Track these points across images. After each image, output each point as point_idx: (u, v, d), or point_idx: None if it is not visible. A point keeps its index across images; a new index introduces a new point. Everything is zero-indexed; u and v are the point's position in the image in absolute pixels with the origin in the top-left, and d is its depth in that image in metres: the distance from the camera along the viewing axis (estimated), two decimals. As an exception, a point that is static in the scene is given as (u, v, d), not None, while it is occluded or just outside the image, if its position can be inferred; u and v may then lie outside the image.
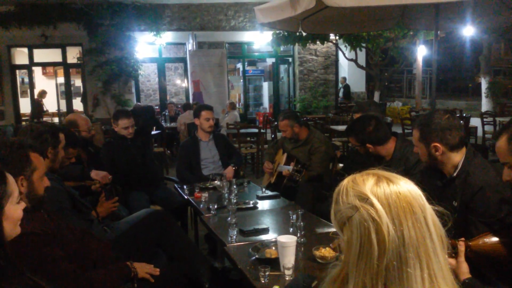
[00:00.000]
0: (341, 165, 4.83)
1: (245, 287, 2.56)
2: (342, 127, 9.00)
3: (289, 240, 2.05)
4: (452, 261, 1.76)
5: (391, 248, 0.96)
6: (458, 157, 2.25)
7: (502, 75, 16.55)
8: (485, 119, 9.90)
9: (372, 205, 0.99)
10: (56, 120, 12.81)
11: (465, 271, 1.75)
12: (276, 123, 9.26)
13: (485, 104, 12.74)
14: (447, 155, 2.25)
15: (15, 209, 1.40)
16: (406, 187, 1.03)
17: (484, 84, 12.97)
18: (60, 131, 2.71)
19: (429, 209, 1.02)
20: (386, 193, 1.01)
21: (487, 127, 9.84)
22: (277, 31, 10.69)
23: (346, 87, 14.67)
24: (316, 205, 3.77)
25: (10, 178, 1.40)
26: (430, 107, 14.68)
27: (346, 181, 1.08)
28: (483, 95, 12.98)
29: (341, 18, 5.94)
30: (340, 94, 14.66)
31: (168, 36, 12.53)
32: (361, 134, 3.12)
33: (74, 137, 3.30)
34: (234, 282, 2.63)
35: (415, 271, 0.96)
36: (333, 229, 2.72)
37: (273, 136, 8.77)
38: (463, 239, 1.86)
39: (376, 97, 11.94)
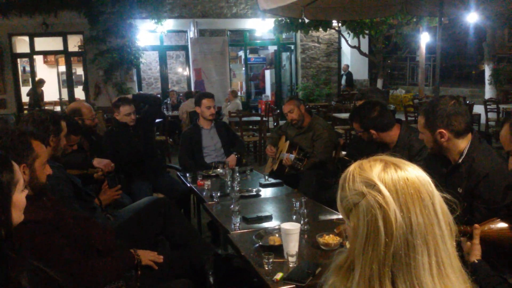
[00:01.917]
0: (344, 152, 4.81)
1: (249, 274, 2.57)
2: (344, 115, 8.96)
3: (293, 227, 2.04)
4: (468, 243, 1.76)
5: (398, 235, 0.95)
6: (463, 144, 2.23)
7: (506, 62, 16.42)
8: (488, 107, 9.84)
9: (379, 191, 0.97)
10: (58, 108, 12.79)
11: (477, 253, 1.75)
12: (278, 111, 9.24)
13: (489, 91, 12.67)
14: (452, 141, 2.23)
15: (21, 197, 1.40)
16: (414, 173, 1.01)
17: (487, 71, 12.88)
18: (61, 118, 2.69)
19: (437, 196, 1.00)
20: (394, 179, 0.99)
21: (490, 115, 9.79)
22: (279, 18, 10.60)
23: (349, 75, 14.59)
24: (319, 193, 3.76)
25: (16, 166, 1.39)
26: (433, 94, 14.62)
27: (353, 167, 1.06)
28: (487, 82, 12.90)
29: (344, 5, 5.88)
30: (343, 82, 14.59)
31: (170, 24, 12.43)
32: (365, 120, 3.10)
33: (75, 124, 3.28)
34: (237, 269, 2.62)
35: (422, 258, 0.95)
36: (336, 216, 2.71)
37: (275, 124, 8.74)
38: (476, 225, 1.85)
39: (379, 84, 11.89)
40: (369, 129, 3.10)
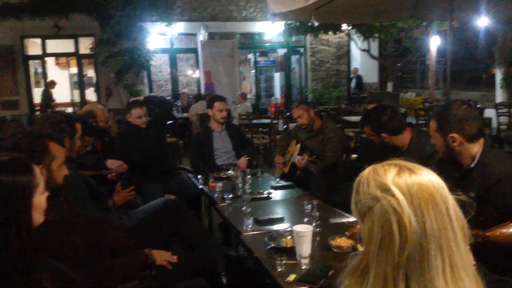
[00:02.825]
0: (354, 155, 4.82)
1: (260, 275, 2.59)
2: (354, 118, 8.95)
3: (306, 230, 2.06)
4: None
5: (412, 239, 0.96)
6: (475, 148, 2.24)
7: (517, 66, 16.29)
8: (499, 110, 9.78)
9: (393, 195, 0.99)
10: (69, 110, 12.90)
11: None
12: (288, 113, 9.25)
13: (500, 95, 12.58)
14: (464, 146, 2.23)
15: (41, 199, 1.43)
16: (428, 178, 1.02)
17: (498, 75, 12.79)
18: (76, 120, 2.74)
19: (451, 200, 1.01)
20: (408, 184, 1.00)
21: (502, 118, 9.73)
22: (289, 21, 10.64)
23: (358, 78, 14.57)
24: (330, 196, 3.76)
25: (37, 169, 1.43)
26: (444, 98, 14.54)
27: (367, 171, 1.08)
28: (498, 86, 12.80)
29: (354, 8, 5.89)
30: (352, 85, 14.57)
31: (180, 27, 12.51)
32: (377, 124, 3.11)
33: (89, 126, 3.34)
34: (249, 270, 2.65)
35: (436, 261, 0.96)
36: (348, 219, 2.72)
37: (285, 126, 8.76)
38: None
39: (390, 87, 11.86)
40: (380, 132, 3.11)
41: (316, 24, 9.33)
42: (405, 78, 19.24)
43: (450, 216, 0.99)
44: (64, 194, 2.07)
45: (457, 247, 0.99)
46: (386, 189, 1.00)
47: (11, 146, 1.87)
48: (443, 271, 0.96)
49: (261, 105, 15.02)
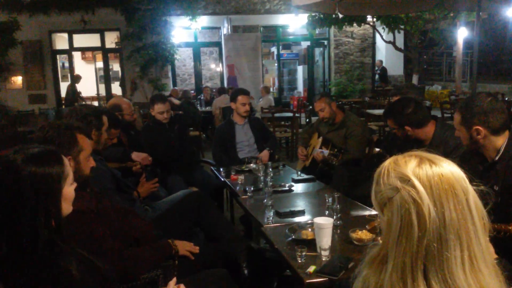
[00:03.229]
0: (377, 149, 4.78)
1: (281, 266, 2.62)
2: (378, 111, 8.86)
3: (326, 222, 2.08)
4: None
5: (431, 230, 0.97)
6: (500, 141, 2.21)
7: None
8: (528, 103, 9.54)
9: (413, 186, 1.00)
10: (95, 104, 13.13)
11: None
12: (311, 107, 9.22)
13: (529, 88, 12.28)
14: (489, 138, 2.21)
15: (70, 190, 1.49)
16: (448, 169, 1.02)
17: (528, 66, 12.46)
18: (103, 113, 2.80)
19: (471, 192, 1.02)
20: (428, 175, 1.01)
21: (530, 112, 9.49)
22: (313, 14, 10.57)
23: (383, 70, 14.39)
24: (352, 189, 3.75)
25: (66, 161, 1.48)
26: (471, 90, 14.25)
27: (388, 162, 1.09)
28: (527, 78, 12.49)
29: (378, -1, 5.82)
30: (377, 78, 14.40)
31: (203, 21, 12.58)
32: (400, 116, 3.07)
33: (116, 118, 3.41)
34: (270, 261, 2.68)
35: (455, 252, 0.97)
36: (369, 212, 2.72)
37: (307, 120, 8.74)
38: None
39: (415, 80, 11.68)
40: (403, 125, 3.07)
41: (340, 16, 9.23)
42: (431, 71, 18.92)
43: (470, 207, 0.99)
44: (91, 185, 2.13)
45: (476, 238, 0.99)
46: (406, 180, 1.01)
47: (40, 138, 1.93)
48: (462, 262, 0.97)
49: (284, 98, 15.00)
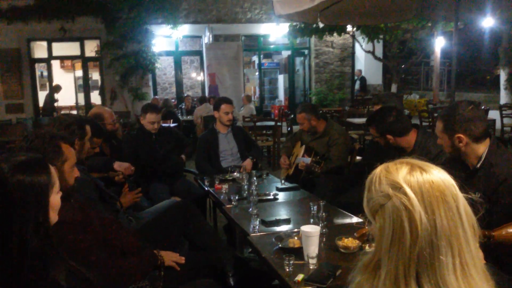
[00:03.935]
0: (358, 158, 4.82)
1: (267, 276, 2.61)
2: (358, 120, 8.97)
3: (313, 230, 2.08)
4: None
5: (423, 236, 0.98)
6: (481, 149, 2.26)
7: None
8: (504, 112, 9.77)
9: (405, 193, 1.01)
10: (74, 113, 12.97)
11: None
12: (292, 116, 9.27)
13: (504, 97, 12.57)
14: (471, 146, 2.25)
15: (57, 199, 1.46)
16: (439, 176, 1.04)
17: (503, 76, 12.77)
18: (86, 122, 2.77)
19: (461, 199, 1.04)
20: (419, 182, 1.03)
21: (506, 120, 9.72)
22: (294, 23, 10.67)
23: (362, 80, 14.57)
24: (335, 197, 3.78)
25: (53, 169, 1.46)
26: (448, 99, 14.52)
27: (379, 170, 1.10)
28: (502, 87, 12.79)
29: (359, 9, 5.90)
30: (356, 87, 14.57)
31: (185, 29, 12.58)
32: (382, 125, 3.12)
33: (99, 127, 3.37)
34: (256, 271, 2.67)
35: (447, 258, 0.98)
36: (353, 220, 2.74)
37: (289, 129, 8.78)
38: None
39: (394, 89, 11.87)
40: (385, 134, 3.11)
41: (321, 25, 9.34)
42: (409, 80, 19.23)
43: (461, 214, 1.01)
44: (75, 195, 2.10)
45: (467, 244, 1.01)
46: (397, 187, 1.03)
47: (24, 148, 1.90)
48: (453, 268, 0.98)
49: (265, 107, 15.05)
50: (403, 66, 14.93)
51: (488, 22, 7.95)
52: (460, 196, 1.04)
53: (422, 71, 17.98)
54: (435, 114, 9.68)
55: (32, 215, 1.36)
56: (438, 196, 1.01)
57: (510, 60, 13.01)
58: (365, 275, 1.07)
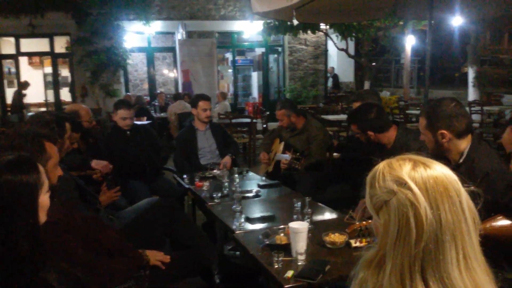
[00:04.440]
0: (336, 154, 4.86)
1: (253, 272, 2.61)
2: (332, 117, 9.07)
3: (301, 226, 2.09)
4: None
5: (428, 232, 0.99)
6: (464, 144, 2.30)
7: (487, 65, 16.76)
8: (472, 108, 10.04)
9: (410, 189, 1.02)
10: (43, 110, 12.63)
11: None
12: (267, 113, 9.29)
13: (472, 94, 12.90)
14: (453, 142, 2.29)
15: (46, 198, 1.42)
16: (442, 172, 1.06)
17: (471, 73, 13.11)
18: (66, 120, 2.70)
19: (464, 193, 1.05)
20: (424, 178, 1.03)
21: (474, 116, 9.99)
22: (268, 21, 10.67)
23: (335, 77, 14.73)
24: (316, 193, 3.80)
25: (41, 168, 1.41)
26: (419, 96, 14.82)
27: (382, 166, 1.11)
28: (470, 84, 13.12)
29: (334, 7, 5.95)
30: (329, 84, 14.71)
31: (157, 26, 12.42)
32: (363, 122, 3.15)
33: (76, 122, 3.29)
34: (241, 268, 2.66)
35: (451, 253, 1.00)
36: (335, 216, 2.76)
37: (264, 126, 8.79)
38: None
39: (367, 86, 12.01)
40: (366, 130, 3.15)
41: (295, 23, 9.37)
42: (380, 77, 19.52)
43: (463, 208, 1.03)
44: (58, 195, 2.04)
45: (469, 238, 1.02)
46: (402, 183, 1.03)
47: (6, 146, 1.83)
48: (457, 262, 1.00)
49: (239, 104, 15.02)
50: (373, 64, 15.18)
51: (457, 21, 8.11)
52: (463, 190, 1.05)
53: (393, 69, 18.29)
54: (407, 111, 9.90)
55: (22, 216, 1.31)
56: (442, 191, 1.02)
57: (478, 58, 13.39)
58: (369, 271, 1.07)
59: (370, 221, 2.04)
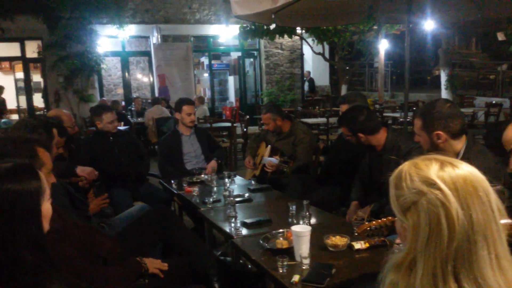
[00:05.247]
0: (321, 158, 4.87)
1: (251, 277, 2.58)
2: (311, 120, 9.11)
3: (305, 230, 2.07)
4: None
5: (460, 232, 0.98)
6: (459, 145, 2.33)
7: (458, 68, 17.17)
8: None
9: (440, 189, 1.01)
10: (15, 117, 12.29)
11: None
12: (247, 116, 9.27)
13: (445, 96, 13.17)
14: (449, 142, 2.32)
15: (48, 206, 1.36)
16: (470, 171, 1.05)
17: (443, 76, 13.41)
18: (53, 125, 2.61)
19: (492, 193, 1.04)
20: (453, 177, 1.02)
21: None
22: (244, 24, 10.67)
23: (311, 81, 14.84)
24: (305, 196, 3.79)
25: (42, 175, 1.35)
26: (393, 99, 15.05)
27: (407, 167, 1.09)
28: (443, 87, 13.42)
29: (312, 12, 5.98)
30: (305, 88, 14.81)
31: (132, 29, 12.25)
32: (353, 124, 3.16)
33: (62, 126, 3.19)
34: (239, 274, 2.62)
35: (483, 253, 0.99)
36: (330, 218, 2.75)
37: (245, 129, 8.76)
38: None
39: (344, 90, 12.15)
40: (357, 132, 3.16)
41: (272, 27, 9.39)
42: (354, 81, 19.76)
43: (493, 208, 1.02)
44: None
45: (499, 238, 1.02)
46: (431, 183, 1.02)
47: (-4, 152, 1.75)
48: (490, 262, 0.99)
49: (216, 108, 14.95)
50: (347, 68, 15.37)
51: (429, 25, 8.27)
52: (491, 190, 1.05)
53: (367, 73, 18.55)
54: (384, 114, 10.04)
55: (24, 227, 1.25)
56: (471, 191, 1.01)
57: (449, 61, 13.71)
58: (399, 273, 1.05)
59: (380, 220, 2.05)
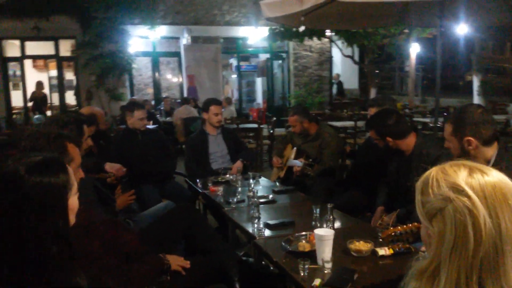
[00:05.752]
0: (348, 161, 4.83)
1: (273, 279, 2.57)
2: (339, 123, 9.04)
3: (328, 233, 2.05)
4: None
5: (487, 240, 0.95)
6: (490, 152, 2.26)
7: (491, 73, 16.75)
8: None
9: (468, 196, 0.98)
10: (48, 113, 12.63)
11: None
12: (274, 118, 9.27)
13: (477, 102, 12.89)
14: (480, 149, 2.25)
15: (75, 200, 1.38)
16: (499, 178, 1.02)
17: (475, 82, 13.10)
18: (84, 122, 2.67)
19: None
20: (482, 184, 0.99)
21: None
22: (273, 27, 10.68)
23: (339, 84, 14.72)
24: (329, 199, 3.76)
25: (70, 169, 1.37)
26: (423, 104, 14.78)
27: (435, 172, 1.07)
28: (475, 93, 13.12)
29: (341, 14, 5.93)
30: (334, 91, 14.70)
31: (162, 30, 12.42)
32: (382, 128, 3.11)
33: (92, 123, 3.27)
34: (261, 275, 2.62)
35: (511, 262, 0.96)
36: (355, 222, 2.71)
37: (271, 131, 8.75)
38: None
39: (373, 93, 12.00)
40: (385, 136, 3.11)
41: (301, 29, 9.37)
42: (384, 85, 19.53)
43: None
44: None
45: None
46: (459, 190, 0.99)
47: (29, 147, 1.80)
48: None
49: (243, 110, 15.01)
50: (377, 72, 15.17)
51: (462, 29, 8.09)
52: None
53: (397, 76, 18.30)
54: (414, 119, 9.87)
55: (51, 219, 1.27)
56: (501, 199, 0.98)
57: (482, 67, 13.39)
58: (422, 281, 1.03)
59: (405, 226, 2.01)
